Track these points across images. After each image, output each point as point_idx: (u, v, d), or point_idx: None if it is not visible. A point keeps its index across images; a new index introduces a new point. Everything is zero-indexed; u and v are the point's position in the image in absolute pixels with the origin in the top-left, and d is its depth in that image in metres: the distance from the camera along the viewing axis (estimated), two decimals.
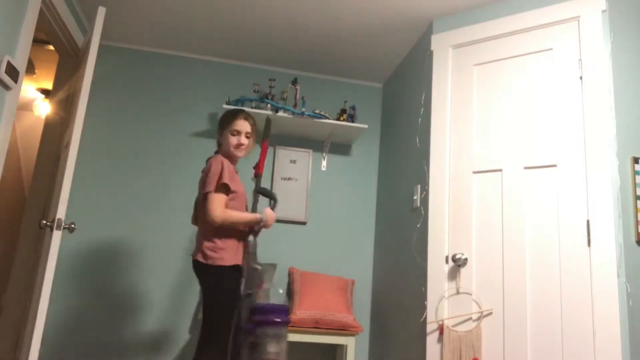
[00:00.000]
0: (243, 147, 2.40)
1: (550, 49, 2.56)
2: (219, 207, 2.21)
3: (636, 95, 2.38)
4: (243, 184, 2.45)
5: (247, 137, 2.41)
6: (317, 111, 3.41)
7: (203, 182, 2.28)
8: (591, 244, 2.23)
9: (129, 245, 3.34)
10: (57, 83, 3.25)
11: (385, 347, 3.19)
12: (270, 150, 3.69)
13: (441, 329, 2.52)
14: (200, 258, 2.23)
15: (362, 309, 3.56)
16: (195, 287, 3.34)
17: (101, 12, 2.68)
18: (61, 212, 2.43)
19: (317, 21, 3.17)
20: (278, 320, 1.84)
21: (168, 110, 3.61)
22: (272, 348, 1.74)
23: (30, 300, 2.65)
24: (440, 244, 2.66)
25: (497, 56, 2.72)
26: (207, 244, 2.24)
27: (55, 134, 3.17)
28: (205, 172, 2.29)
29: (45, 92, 4.61)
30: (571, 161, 2.37)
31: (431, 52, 2.97)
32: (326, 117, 3.42)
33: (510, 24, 2.69)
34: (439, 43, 2.95)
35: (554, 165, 2.42)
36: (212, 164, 2.28)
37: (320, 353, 3.47)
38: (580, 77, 2.43)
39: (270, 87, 3.47)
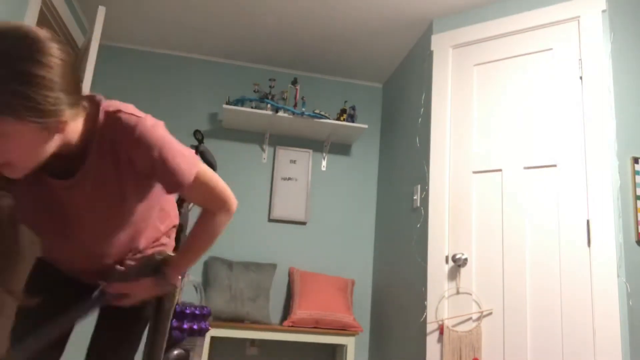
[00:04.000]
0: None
1: (550, 49, 2.55)
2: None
3: (636, 95, 2.38)
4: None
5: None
6: (317, 111, 3.41)
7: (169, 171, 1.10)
8: (591, 244, 2.23)
9: None
10: None
11: (385, 347, 3.19)
12: (270, 150, 3.69)
13: (441, 329, 2.52)
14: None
15: (362, 309, 3.56)
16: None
17: (101, 12, 2.68)
18: None
19: (317, 21, 3.17)
20: (208, 328, 1.61)
21: (168, 110, 3.61)
22: (197, 358, 1.52)
23: None
24: (440, 244, 2.66)
25: (497, 56, 2.72)
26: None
27: None
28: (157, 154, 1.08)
29: None
30: (571, 161, 2.37)
31: (431, 52, 2.97)
32: (326, 117, 3.42)
33: (510, 24, 2.69)
34: (439, 43, 2.95)
35: (554, 165, 2.42)
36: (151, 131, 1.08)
37: (320, 353, 3.46)
38: (580, 77, 2.43)
39: (270, 87, 3.46)
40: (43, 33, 0.93)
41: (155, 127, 1.08)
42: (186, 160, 1.11)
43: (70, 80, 0.95)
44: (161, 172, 1.09)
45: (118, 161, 1.08)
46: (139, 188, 1.17)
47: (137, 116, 1.07)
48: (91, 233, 1.17)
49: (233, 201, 1.24)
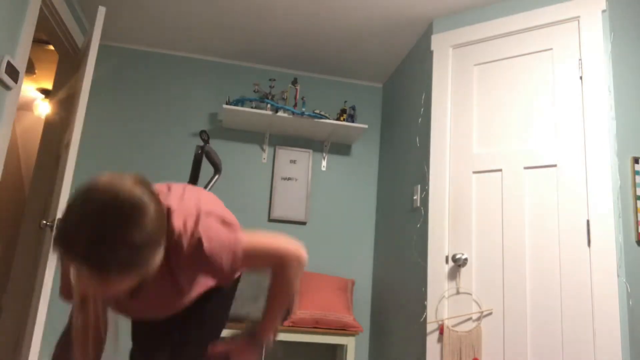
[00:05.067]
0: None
1: (550, 49, 2.56)
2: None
3: (636, 95, 2.38)
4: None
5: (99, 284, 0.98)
6: (317, 111, 3.41)
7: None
8: (591, 244, 2.23)
9: None
10: (57, 83, 3.25)
11: (385, 347, 3.19)
12: (270, 150, 3.69)
13: (441, 329, 2.52)
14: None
15: (362, 309, 3.56)
16: None
17: (101, 12, 2.68)
18: (61, 212, 2.42)
19: (317, 21, 3.17)
20: None
21: (168, 110, 3.61)
22: None
23: (30, 300, 2.65)
24: (440, 244, 2.66)
25: (497, 56, 2.72)
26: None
27: (55, 134, 3.17)
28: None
29: (45, 92, 4.61)
30: (571, 161, 2.37)
31: (431, 52, 2.97)
32: (326, 117, 3.42)
33: (510, 24, 2.69)
34: (439, 43, 2.95)
35: (554, 165, 2.42)
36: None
37: (320, 353, 3.46)
38: (580, 77, 2.43)
39: (270, 87, 3.47)
40: (137, 192, 0.95)
41: (208, 241, 1.11)
42: (232, 256, 1.15)
43: (162, 228, 0.99)
44: (215, 275, 1.16)
45: (174, 273, 1.19)
46: (193, 284, 1.30)
47: (189, 234, 1.11)
48: (159, 314, 1.33)
49: (294, 254, 1.25)
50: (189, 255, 1.11)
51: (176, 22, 3.31)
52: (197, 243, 1.10)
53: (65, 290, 1.26)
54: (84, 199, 0.92)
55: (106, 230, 0.89)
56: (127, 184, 0.95)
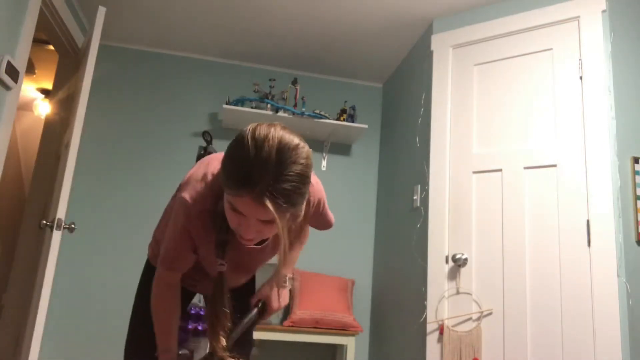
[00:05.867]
0: (250, 241, 1.17)
1: (550, 49, 2.56)
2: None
3: (636, 95, 2.38)
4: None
5: (263, 224, 1.10)
6: (317, 111, 3.41)
7: None
8: (591, 244, 2.23)
9: (129, 245, 3.33)
10: (57, 83, 3.25)
11: (385, 347, 3.19)
12: None
13: (441, 329, 2.52)
14: None
15: (362, 309, 3.56)
16: None
17: (101, 12, 2.68)
18: (61, 212, 2.43)
19: (317, 21, 3.17)
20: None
21: (168, 110, 3.61)
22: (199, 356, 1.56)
23: (30, 300, 2.65)
24: (440, 244, 2.66)
25: (497, 56, 2.72)
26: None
27: (55, 134, 3.17)
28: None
29: (45, 92, 4.61)
30: (571, 161, 2.37)
31: (431, 52, 2.97)
32: (326, 117, 3.42)
33: (510, 24, 2.69)
34: (439, 43, 2.95)
35: (554, 165, 2.42)
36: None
37: (320, 353, 3.46)
38: (580, 77, 2.43)
39: (270, 87, 3.46)
40: (296, 137, 1.08)
41: (320, 187, 1.40)
42: (324, 201, 1.45)
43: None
44: (320, 223, 1.52)
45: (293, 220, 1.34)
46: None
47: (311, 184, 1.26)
48: (252, 267, 1.48)
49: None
50: (313, 209, 1.38)
51: (176, 22, 3.31)
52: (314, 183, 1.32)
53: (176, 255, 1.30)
54: (254, 145, 1.03)
55: (284, 168, 1.02)
56: (279, 129, 1.07)
